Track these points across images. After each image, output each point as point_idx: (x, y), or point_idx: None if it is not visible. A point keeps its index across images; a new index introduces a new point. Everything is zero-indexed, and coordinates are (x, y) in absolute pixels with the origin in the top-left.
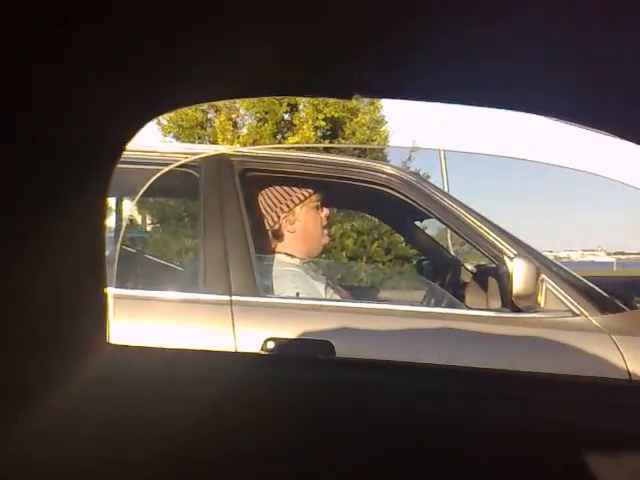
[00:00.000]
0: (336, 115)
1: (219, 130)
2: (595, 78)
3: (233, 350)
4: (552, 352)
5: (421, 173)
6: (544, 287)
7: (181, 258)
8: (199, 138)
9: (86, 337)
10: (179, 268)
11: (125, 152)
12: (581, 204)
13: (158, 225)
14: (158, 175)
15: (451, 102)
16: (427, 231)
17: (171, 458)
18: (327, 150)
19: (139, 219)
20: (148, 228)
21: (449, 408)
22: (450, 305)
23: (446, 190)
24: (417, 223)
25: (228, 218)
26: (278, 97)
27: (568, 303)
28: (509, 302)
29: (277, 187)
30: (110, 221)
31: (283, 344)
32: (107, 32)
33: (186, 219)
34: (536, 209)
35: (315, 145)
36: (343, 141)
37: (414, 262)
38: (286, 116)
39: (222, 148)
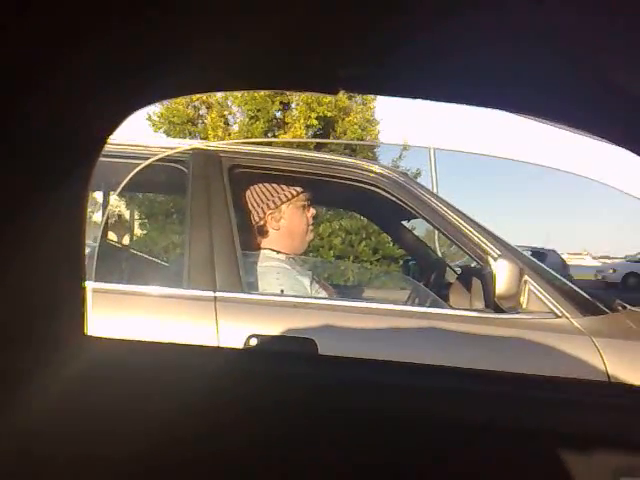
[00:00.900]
0: (329, 114)
1: (210, 127)
2: (581, 77)
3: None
4: (533, 353)
5: (411, 172)
6: (527, 288)
7: (167, 254)
8: (190, 134)
9: (64, 329)
10: (164, 263)
11: (113, 146)
12: (569, 207)
13: (146, 220)
14: (138, 169)
15: (439, 100)
16: (415, 231)
17: (150, 452)
18: (318, 146)
19: (127, 214)
20: (136, 223)
21: (435, 406)
22: (434, 305)
23: (435, 188)
24: (405, 223)
25: (215, 214)
26: (271, 95)
27: (550, 305)
28: (492, 303)
29: (265, 184)
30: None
31: (266, 341)
32: (88, 22)
33: (174, 215)
34: (523, 210)
35: (305, 140)
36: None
37: (401, 262)
38: (278, 114)
39: (194, 142)
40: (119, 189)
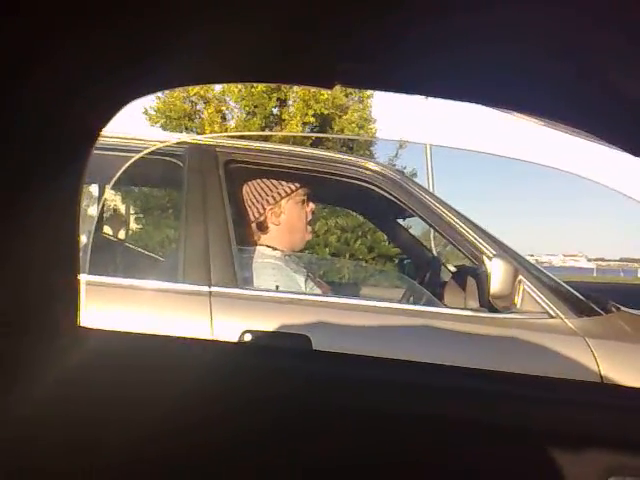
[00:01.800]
0: (326, 112)
1: (207, 122)
2: (583, 77)
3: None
4: (527, 353)
5: (407, 171)
6: (521, 288)
7: (163, 248)
8: (187, 129)
9: (59, 320)
10: (160, 258)
11: (110, 139)
12: (565, 207)
13: (141, 215)
14: (131, 161)
15: (435, 96)
16: (411, 230)
17: (143, 441)
18: (314, 144)
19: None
20: (132, 218)
21: (428, 403)
22: (428, 303)
23: (431, 184)
24: (401, 221)
25: (210, 208)
26: (268, 91)
27: (544, 305)
28: (486, 302)
29: (264, 179)
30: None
31: (260, 337)
32: (80, 14)
33: (170, 209)
34: (520, 210)
35: (301, 134)
36: (330, 138)
37: (396, 261)
38: (275, 110)
39: (184, 136)
40: (112, 182)
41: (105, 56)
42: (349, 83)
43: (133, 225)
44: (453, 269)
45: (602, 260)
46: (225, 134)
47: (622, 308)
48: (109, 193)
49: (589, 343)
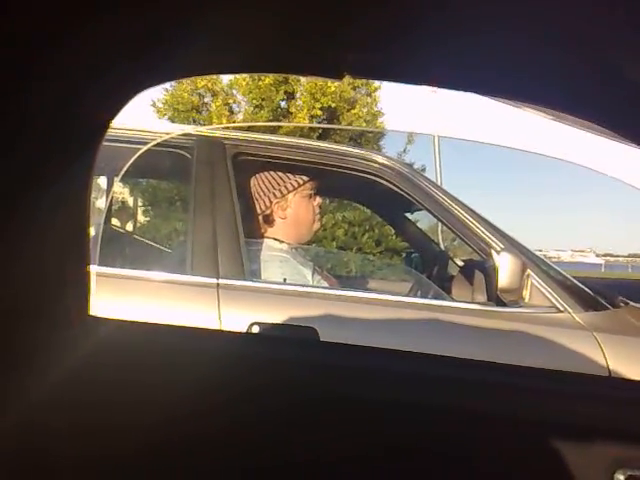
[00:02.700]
0: (333, 105)
1: (215, 115)
2: (594, 70)
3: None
4: (535, 347)
5: (416, 165)
6: (529, 282)
7: (171, 240)
8: (194, 122)
9: (70, 310)
10: (168, 250)
11: (119, 131)
12: (575, 202)
13: (149, 207)
14: (139, 153)
15: (445, 87)
16: (419, 224)
17: (151, 426)
18: (321, 137)
19: (130, 201)
20: (140, 210)
21: (434, 394)
22: (436, 297)
23: (439, 177)
24: (408, 215)
25: (218, 201)
26: (275, 84)
27: (552, 299)
28: (494, 296)
29: (271, 172)
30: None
31: (268, 329)
32: (89, 4)
33: (178, 202)
34: (529, 205)
35: (308, 125)
36: (338, 131)
37: (404, 255)
38: (282, 103)
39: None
40: (121, 174)
41: (112, 48)
42: (358, 74)
43: (141, 217)
44: (461, 263)
45: (611, 256)
46: (232, 124)
47: (630, 303)
48: (118, 185)
49: (597, 337)
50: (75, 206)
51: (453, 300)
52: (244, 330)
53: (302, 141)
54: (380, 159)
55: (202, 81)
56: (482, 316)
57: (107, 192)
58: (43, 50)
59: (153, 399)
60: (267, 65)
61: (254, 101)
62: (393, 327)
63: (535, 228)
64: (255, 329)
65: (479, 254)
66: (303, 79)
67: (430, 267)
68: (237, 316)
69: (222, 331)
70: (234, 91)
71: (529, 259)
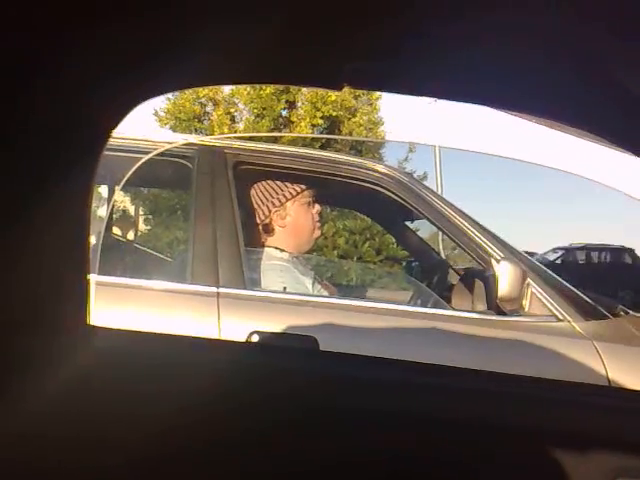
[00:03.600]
0: (334, 114)
1: (216, 124)
2: (592, 81)
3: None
4: (534, 356)
5: (417, 174)
6: (529, 291)
7: (172, 249)
8: (196, 131)
9: (68, 318)
10: (168, 259)
11: (121, 140)
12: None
13: (151, 216)
14: (140, 163)
15: (444, 98)
16: (419, 233)
17: (151, 437)
18: (323, 146)
19: (132, 209)
20: (141, 219)
21: (434, 404)
22: (436, 306)
23: (440, 188)
24: (409, 224)
25: (219, 210)
26: (277, 93)
27: (552, 308)
28: (494, 305)
29: (269, 181)
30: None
31: (268, 338)
32: (92, 13)
33: (179, 210)
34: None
35: (309, 135)
36: (339, 140)
37: (404, 263)
38: (284, 113)
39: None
40: (122, 183)
41: (114, 58)
42: (358, 84)
43: (142, 226)
44: (461, 272)
45: None
46: (233, 135)
47: (630, 312)
48: (119, 194)
49: (597, 346)
50: (75, 214)
51: (453, 309)
52: (244, 339)
53: (303, 150)
54: (381, 168)
55: (204, 90)
56: (482, 325)
57: (108, 201)
58: (45, 59)
59: (152, 409)
60: (267, 76)
61: (255, 110)
62: (393, 336)
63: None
64: (255, 338)
65: (479, 263)
66: (304, 88)
67: (430, 276)
68: (237, 325)
69: (221, 340)
70: (236, 100)
71: (529, 268)
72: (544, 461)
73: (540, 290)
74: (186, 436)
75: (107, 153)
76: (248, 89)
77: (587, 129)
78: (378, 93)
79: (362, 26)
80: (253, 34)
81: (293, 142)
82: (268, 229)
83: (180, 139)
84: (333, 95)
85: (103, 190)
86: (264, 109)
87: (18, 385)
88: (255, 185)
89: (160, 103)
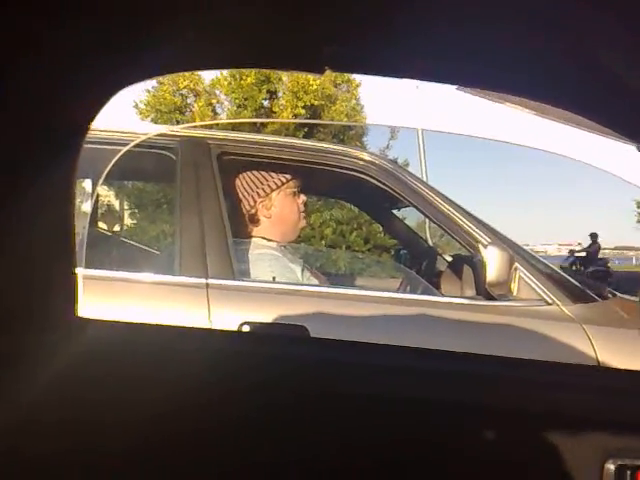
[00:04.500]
0: (315, 103)
1: (198, 115)
2: (579, 61)
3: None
4: (524, 340)
5: (399, 161)
6: (517, 276)
7: (159, 243)
8: (177, 123)
9: (56, 311)
10: (155, 251)
11: (102, 133)
12: (562, 196)
13: (136, 210)
14: (120, 154)
15: (426, 79)
16: (407, 221)
17: (140, 427)
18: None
19: (117, 204)
20: (127, 213)
21: (425, 388)
22: (425, 292)
23: (424, 171)
24: (396, 212)
25: (205, 201)
26: (258, 84)
27: (541, 292)
28: (483, 290)
29: (254, 171)
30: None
31: (258, 328)
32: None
33: (164, 203)
34: (515, 199)
35: (289, 121)
36: (322, 129)
37: (392, 252)
38: (265, 103)
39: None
40: (103, 176)
41: (91, 44)
42: (339, 67)
43: (128, 220)
44: (449, 258)
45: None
46: (214, 122)
47: (618, 294)
48: (103, 189)
49: (586, 329)
50: (59, 208)
51: (442, 295)
52: (234, 329)
53: (288, 140)
54: (366, 156)
55: (184, 81)
56: (471, 310)
57: (92, 194)
58: (18, 49)
59: (142, 398)
60: (249, 60)
61: (237, 101)
62: (384, 323)
63: (521, 223)
64: (245, 329)
65: (467, 249)
66: (285, 78)
67: (419, 263)
68: (227, 316)
69: (212, 329)
70: (217, 91)
71: (516, 252)
72: (534, 443)
73: (528, 274)
74: (178, 424)
75: (90, 146)
76: (229, 79)
77: (573, 110)
78: (358, 81)
79: (343, 7)
80: (234, 18)
81: (277, 132)
82: (254, 219)
83: (163, 129)
84: (314, 84)
85: (87, 185)
86: (246, 99)
87: (8, 378)
88: (240, 175)
89: (140, 96)
